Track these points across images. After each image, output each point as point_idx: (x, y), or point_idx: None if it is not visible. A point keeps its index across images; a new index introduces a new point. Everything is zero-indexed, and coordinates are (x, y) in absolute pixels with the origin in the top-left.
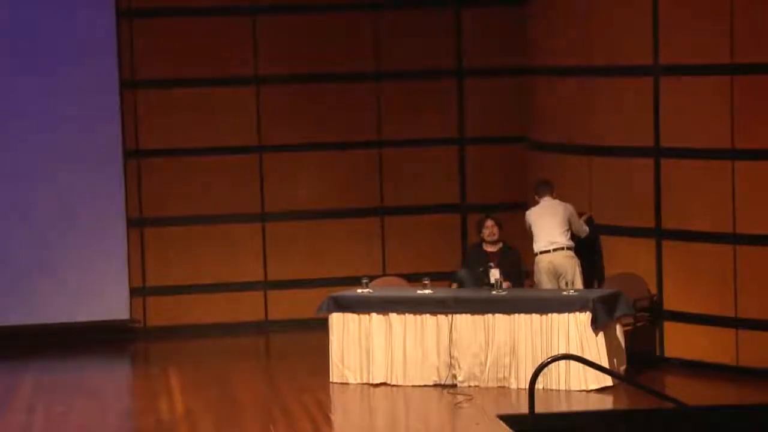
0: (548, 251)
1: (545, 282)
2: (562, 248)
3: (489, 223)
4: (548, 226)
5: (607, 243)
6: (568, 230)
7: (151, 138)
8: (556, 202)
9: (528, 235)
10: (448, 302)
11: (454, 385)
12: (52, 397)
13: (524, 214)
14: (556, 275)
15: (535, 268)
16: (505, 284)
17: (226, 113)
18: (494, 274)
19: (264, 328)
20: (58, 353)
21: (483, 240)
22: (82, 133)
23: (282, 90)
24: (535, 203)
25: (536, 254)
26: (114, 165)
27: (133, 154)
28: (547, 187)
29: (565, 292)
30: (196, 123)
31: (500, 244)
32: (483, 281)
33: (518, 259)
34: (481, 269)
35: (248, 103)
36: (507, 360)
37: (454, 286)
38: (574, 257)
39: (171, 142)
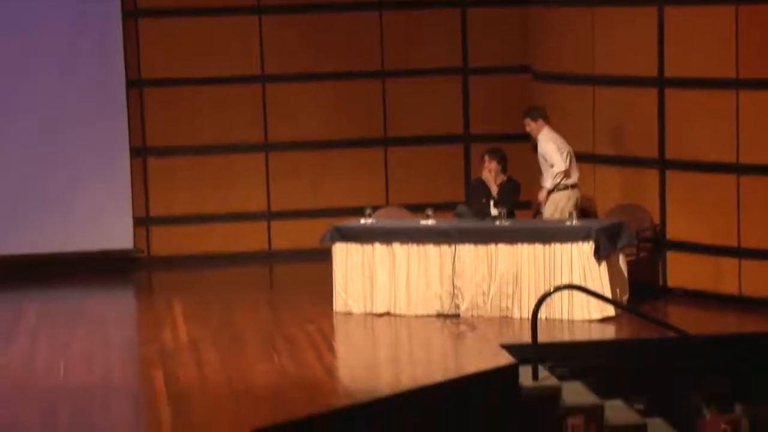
0: (577, 186)
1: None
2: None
3: (486, 157)
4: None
5: (611, 173)
6: None
7: (154, 67)
8: None
9: (537, 168)
10: (451, 232)
11: (457, 315)
12: (55, 326)
13: (536, 142)
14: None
15: (565, 201)
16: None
17: (229, 43)
18: (494, 209)
19: (267, 258)
20: (62, 283)
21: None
22: (84, 63)
23: (284, 20)
24: (540, 127)
25: (570, 187)
26: (116, 94)
27: (135, 83)
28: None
29: (568, 222)
30: (199, 52)
31: (503, 177)
32: (483, 213)
33: (513, 191)
34: (483, 201)
35: (251, 33)
36: (510, 290)
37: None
38: None
39: (173, 72)
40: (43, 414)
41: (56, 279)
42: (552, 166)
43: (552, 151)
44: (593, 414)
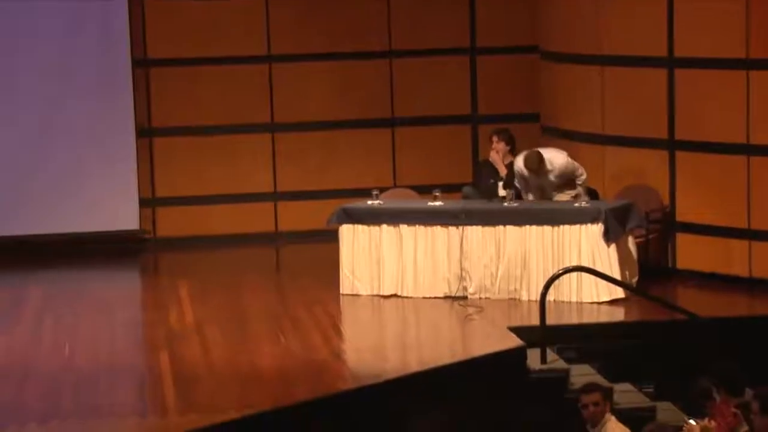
0: None
1: None
2: None
3: (494, 138)
4: None
5: (620, 154)
6: None
7: (160, 47)
8: None
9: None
10: (459, 214)
11: (465, 297)
12: (60, 308)
13: (559, 152)
14: None
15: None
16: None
17: (235, 23)
18: (502, 190)
19: (274, 239)
20: (67, 264)
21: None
22: (89, 43)
23: None
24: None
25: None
26: (122, 74)
27: (141, 63)
28: None
29: (576, 204)
30: (205, 32)
31: (510, 158)
32: (490, 195)
33: None
34: (491, 182)
35: (257, 13)
36: (518, 272)
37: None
38: None
39: (179, 52)
40: (47, 395)
41: (61, 260)
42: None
43: (569, 161)
44: (607, 394)
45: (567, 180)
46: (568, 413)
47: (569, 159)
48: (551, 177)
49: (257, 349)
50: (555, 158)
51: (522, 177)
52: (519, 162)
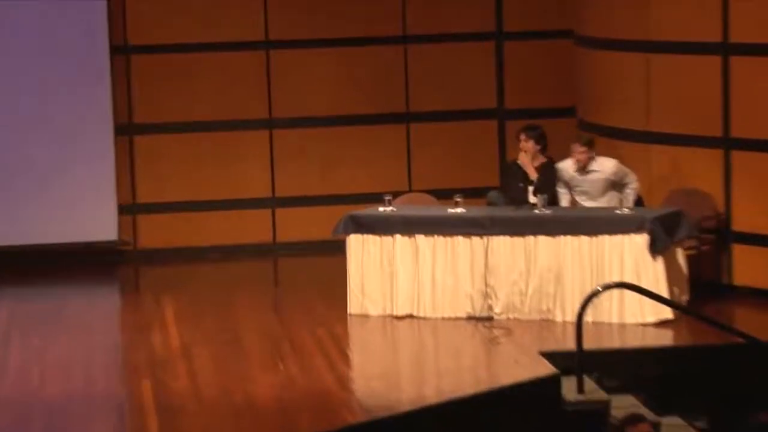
0: None
1: None
2: None
3: (522, 137)
4: None
5: (668, 154)
6: None
7: (142, 32)
8: None
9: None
10: (484, 222)
11: (490, 318)
12: (30, 328)
13: (613, 162)
14: None
15: None
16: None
17: (228, 3)
18: (532, 195)
19: (272, 251)
20: (37, 279)
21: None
22: (60, 27)
23: None
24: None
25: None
26: (99, 63)
27: (121, 50)
28: None
29: (618, 211)
30: (193, 15)
31: (541, 159)
32: (519, 201)
33: (554, 174)
34: (519, 186)
35: None
36: (551, 289)
37: None
38: None
39: (164, 37)
40: (13, 428)
41: (30, 275)
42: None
43: (620, 166)
44: (653, 428)
45: (615, 187)
46: None
47: (620, 164)
48: (599, 177)
49: (253, 377)
50: (605, 160)
51: (564, 179)
52: (563, 162)
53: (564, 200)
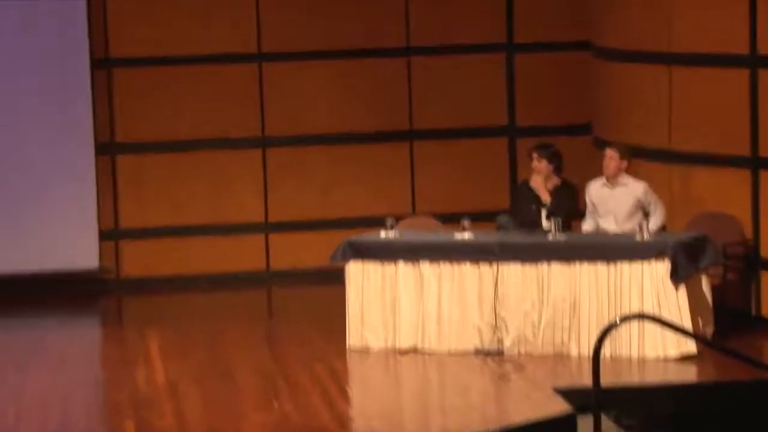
0: None
1: None
2: None
3: (535, 156)
4: None
5: (692, 175)
6: None
7: (124, 43)
8: None
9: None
10: (493, 248)
11: (500, 352)
12: (5, 362)
13: (643, 186)
14: None
15: None
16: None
17: (218, 13)
18: (545, 218)
19: (265, 280)
20: (12, 310)
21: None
22: (38, 38)
23: None
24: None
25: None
26: (78, 76)
27: (102, 63)
28: None
29: (638, 236)
30: (181, 25)
31: (555, 181)
32: (532, 225)
33: (569, 197)
34: (532, 209)
35: (246, 1)
36: (566, 320)
37: None
38: None
39: (148, 49)
40: None
41: (5, 306)
42: (648, 214)
43: (650, 190)
44: None
45: (640, 210)
46: None
47: (650, 190)
48: (627, 195)
49: (245, 416)
50: (635, 181)
51: (592, 199)
52: (593, 181)
53: (587, 225)
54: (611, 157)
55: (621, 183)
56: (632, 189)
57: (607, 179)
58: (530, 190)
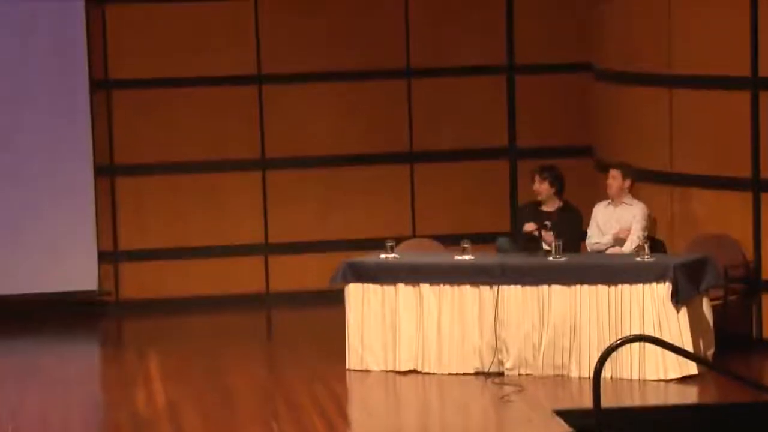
0: None
1: None
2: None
3: (536, 178)
4: None
5: (693, 197)
6: None
7: (124, 65)
8: None
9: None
10: (494, 270)
11: (501, 374)
12: (3, 384)
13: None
14: None
15: None
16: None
17: (218, 34)
18: (547, 240)
19: (264, 302)
20: (11, 332)
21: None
22: (37, 59)
23: (285, 6)
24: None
25: None
26: (78, 98)
27: (101, 84)
28: None
29: (639, 258)
30: (180, 47)
31: (558, 203)
32: (532, 247)
33: (571, 221)
34: (534, 230)
35: (245, 22)
36: (566, 342)
37: None
38: None
39: (147, 71)
40: None
41: (4, 327)
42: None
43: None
44: None
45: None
46: None
47: (647, 211)
48: (629, 214)
49: None
50: (637, 201)
51: (598, 221)
52: (599, 203)
53: (590, 246)
54: (614, 177)
55: (624, 202)
56: (634, 209)
57: (611, 199)
58: (531, 211)
